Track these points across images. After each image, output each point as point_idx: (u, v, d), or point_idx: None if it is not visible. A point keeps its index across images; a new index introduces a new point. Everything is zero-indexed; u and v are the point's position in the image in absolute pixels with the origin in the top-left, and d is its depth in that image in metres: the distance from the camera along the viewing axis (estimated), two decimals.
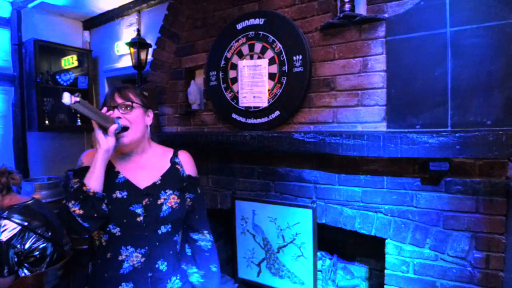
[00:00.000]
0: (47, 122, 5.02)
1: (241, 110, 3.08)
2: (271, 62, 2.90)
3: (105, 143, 1.62)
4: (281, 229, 2.92)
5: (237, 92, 3.10)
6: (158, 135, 3.37)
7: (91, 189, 1.59)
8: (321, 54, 2.71)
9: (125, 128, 1.72)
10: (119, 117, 1.71)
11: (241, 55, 3.07)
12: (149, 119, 1.86)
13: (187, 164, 1.93)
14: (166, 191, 1.79)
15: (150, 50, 4.12)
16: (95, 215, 1.59)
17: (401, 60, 2.38)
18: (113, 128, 1.64)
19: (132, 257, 1.69)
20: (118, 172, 1.79)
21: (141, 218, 1.70)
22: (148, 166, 1.85)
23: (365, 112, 2.54)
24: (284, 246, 2.93)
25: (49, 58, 5.23)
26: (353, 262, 3.14)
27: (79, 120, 5.36)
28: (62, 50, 5.30)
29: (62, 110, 5.25)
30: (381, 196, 2.45)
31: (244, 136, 2.72)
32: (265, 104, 2.93)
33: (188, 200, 1.89)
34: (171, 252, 1.79)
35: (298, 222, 2.80)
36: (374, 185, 2.47)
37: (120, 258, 1.69)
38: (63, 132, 5.44)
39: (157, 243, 1.74)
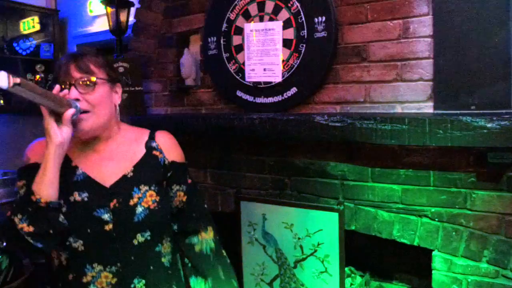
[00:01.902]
0: (1, 102, 5.07)
1: (248, 87, 3.11)
2: (286, 25, 2.92)
3: (58, 135, 1.52)
4: (299, 238, 2.95)
5: (243, 64, 3.13)
6: (141, 118, 3.40)
7: (42, 199, 1.48)
8: (350, 15, 2.72)
9: (85, 112, 1.61)
10: (77, 99, 1.59)
11: (248, 17, 3.09)
12: (117, 97, 1.78)
13: (169, 147, 1.86)
14: (141, 187, 1.70)
15: (132, 10, 4.14)
16: (51, 231, 1.49)
17: (453, 22, 2.38)
18: (69, 114, 1.53)
19: (100, 278, 1.61)
20: (76, 167, 1.70)
21: (110, 226, 1.61)
22: (116, 155, 1.75)
23: (406, 88, 2.56)
24: (303, 259, 2.95)
25: (3, 21, 5.26)
26: (390, 280, 3.16)
27: None
28: (20, 11, 5.32)
29: None
30: (426, 196, 2.47)
31: (252, 120, 2.74)
32: (279, 79, 2.96)
33: (179, 194, 1.83)
34: (152, 267, 1.70)
35: (321, 229, 2.83)
36: (417, 182, 2.49)
37: (84, 279, 1.61)
38: (21, 115, 5.47)
39: (133, 257, 1.66)
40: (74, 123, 1.58)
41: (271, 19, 2.98)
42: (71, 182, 1.65)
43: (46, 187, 1.50)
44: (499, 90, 2.26)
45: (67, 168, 1.65)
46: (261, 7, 3.02)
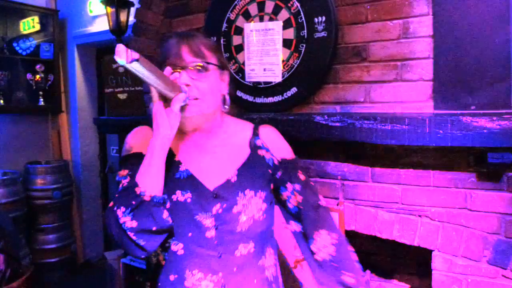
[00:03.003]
0: (1, 101, 5.07)
1: (248, 87, 3.11)
2: (287, 25, 2.92)
3: (167, 125, 1.40)
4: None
5: (243, 64, 3.13)
6: (141, 118, 3.40)
7: (147, 192, 1.39)
8: (350, 15, 2.72)
9: (195, 99, 1.51)
10: (187, 85, 1.48)
11: (248, 17, 3.09)
12: (224, 85, 1.68)
13: (275, 143, 1.72)
14: (246, 192, 1.57)
15: (132, 10, 4.15)
16: (154, 228, 1.39)
17: (452, 22, 2.38)
18: (180, 99, 1.41)
19: (201, 287, 1.51)
20: (179, 163, 1.61)
21: (212, 233, 1.51)
22: (219, 154, 1.64)
23: (406, 88, 2.56)
24: (303, 259, 2.95)
25: (3, 21, 5.26)
26: (390, 279, 3.17)
27: (41, 100, 5.40)
28: (20, 11, 5.33)
29: (20, 87, 5.29)
30: (426, 196, 2.47)
31: (252, 120, 2.74)
32: (279, 79, 2.96)
33: (294, 196, 1.64)
34: (255, 281, 1.58)
35: None
36: (417, 182, 2.49)
37: (187, 284, 1.51)
38: (21, 114, 5.48)
39: (235, 269, 1.53)
40: (182, 110, 1.47)
41: (271, 19, 2.98)
42: (174, 179, 1.57)
43: (151, 179, 1.41)
44: (499, 90, 2.26)
45: (170, 163, 1.55)
46: (261, 7, 3.02)
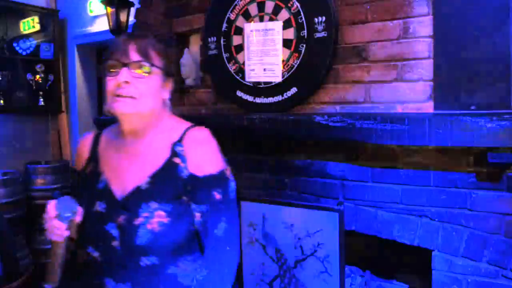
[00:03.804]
0: (1, 101, 5.07)
1: (248, 87, 3.11)
2: (286, 25, 2.92)
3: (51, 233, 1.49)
4: (299, 238, 2.95)
5: (243, 64, 3.13)
6: None
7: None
8: (350, 15, 2.72)
9: (132, 98, 1.50)
10: (126, 82, 1.47)
11: (248, 17, 3.09)
12: (166, 92, 1.62)
13: (195, 153, 1.56)
14: (150, 203, 1.50)
15: (132, 10, 4.15)
16: None
17: (452, 22, 2.39)
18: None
19: None
20: (100, 173, 1.62)
21: (117, 242, 1.50)
22: (139, 159, 1.58)
23: (406, 89, 2.56)
24: (303, 259, 2.96)
25: (3, 21, 5.26)
26: (390, 280, 3.16)
27: (41, 100, 5.40)
28: (20, 11, 5.32)
29: (20, 87, 5.29)
30: (426, 196, 2.47)
31: (252, 120, 2.75)
32: (279, 79, 2.96)
33: (196, 215, 1.56)
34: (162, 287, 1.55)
35: (321, 229, 2.83)
36: (417, 182, 2.49)
37: None
38: (21, 115, 5.48)
39: (143, 279, 1.52)
40: (113, 101, 1.50)
41: (271, 19, 2.98)
42: (96, 189, 1.59)
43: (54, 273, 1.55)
44: (499, 90, 2.27)
45: (94, 173, 1.62)
46: (261, 7, 3.02)
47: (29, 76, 5.26)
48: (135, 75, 1.49)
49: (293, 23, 2.89)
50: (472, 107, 2.33)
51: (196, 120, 2.87)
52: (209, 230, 1.54)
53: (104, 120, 3.83)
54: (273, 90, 2.99)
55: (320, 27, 2.77)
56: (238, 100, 3.17)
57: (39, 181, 4.97)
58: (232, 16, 3.16)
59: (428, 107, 2.49)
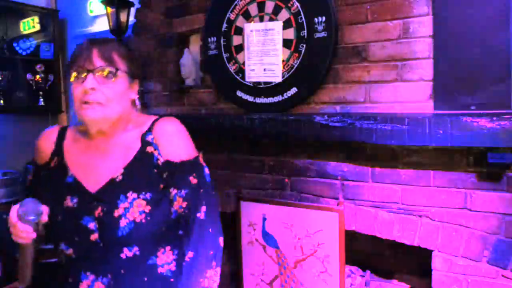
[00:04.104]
0: (1, 101, 5.06)
1: (248, 87, 3.11)
2: (287, 25, 2.92)
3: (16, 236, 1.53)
4: (299, 238, 2.95)
5: (243, 64, 3.13)
6: None
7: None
8: (350, 15, 2.72)
9: (98, 104, 1.52)
10: (92, 88, 1.49)
11: (248, 17, 3.09)
12: (134, 93, 1.66)
13: (166, 140, 1.62)
14: (128, 194, 1.53)
15: (133, 10, 4.15)
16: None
17: (452, 22, 2.38)
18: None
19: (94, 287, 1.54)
20: (67, 168, 1.62)
21: (96, 235, 1.52)
22: (110, 153, 1.61)
23: (406, 89, 2.56)
24: (303, 259, 2.96)
25: (3, 21, 5.26)
26: (390, 280, 3.17)
27: (41, 100, 5.39)
28: (20, 11, 5.32)
29: (20, 87, 5.29)
30: (426, 196, 2.47)
31: (252, 120, 2.75)
32: (279, 79, 2.96)
33: (178, 200, 1.60)
34: (146, 279, 1.57)
35: (321, 230, 2.84)
36: (417, 182, 2.49)
37: (82, 286, 1.55)
38: (22, 115, 5.47)
39: (122, 271, 1.54)
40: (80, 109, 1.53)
41: (271, 19, 2.98)
42: (64, 184, 1.59)
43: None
44: (499, 90, 2.26)
45: (60, 168, 1.62)
46: (261, 7, 3.02)
47: (29, 76, 5.25)
48: (101, 80, 1.51)
49: (293, 23, 2.89)
50: (472, 107, 2.33)
51: (196, 120, 2.88)
52: (191, 213, 1.59)
53: None
54: (273, 90, 2.99)
55: (320, 27, 2.77)
56: (238, 100, 3.17)
57: None
58: (232, 16, 3.16)
59: (428, 107, 2.49)
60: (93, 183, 1.56)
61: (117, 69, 1.54)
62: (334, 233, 2.77)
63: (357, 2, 2.69)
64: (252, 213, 3.13)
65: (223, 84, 3.26)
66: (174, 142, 1.64)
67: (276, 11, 2.95)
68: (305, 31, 2.83)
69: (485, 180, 2.31)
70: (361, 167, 2.67)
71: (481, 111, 2.28)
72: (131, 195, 1.53)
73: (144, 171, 1.58)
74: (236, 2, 3.14)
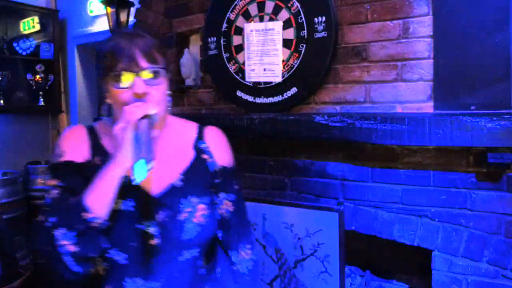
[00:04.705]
0: (1, 101, 5.07)
1: (248, 87, 3.11)
2: (287, 25, 2.92)
3: (129, 159, 1.32)
4: (299, 238, 2.95)
5: (243, 64, 3.13)
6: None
7: (96, 219, 1.31)
8: (350, 15, 2.72)
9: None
10: (145, 93, 1.41)
11: (248, 17, 3.09)
12: (168, 86, 1.56)
13: (219, 149, 1.66)
14: (191, 199, 1.52)
15: (132, 10, 4.15)
16: (95, 255, 1.36)
17: (452, 22, 2.39)
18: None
19: None
20: None
21: (156, 240, 1.46)
22: (162, 157, 1.53)
23: (406, 88, 2.56)
24: (303, 259, 2.96)
25: (3, 21, 5.27)
26: (390, 280, 3.16)
27: (41, 100, 5.40)
28: (20, 11, 5.33)
29: (20, 87, 5.29)
30: (426, 196, 2.47)
31: (252, 120, 2.75)
32: (279, 79, 2.96)
33: (225, 203, 1.64)
34: (190, 279, 1.56)
35: (321, 229, 2.83)
36: (417, 182, 2.50)
37: None
38: (21, 115, 5.48)
39: (176, 274, 1.51)
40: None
41: (271, 19, 2.98)
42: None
43: (104, 207, 1.33)
44: (499, 90, 2.27)
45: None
46: (261, 7, 3.02)
47: (29, 76, 5.26)
48: (148, 82, 1.42)
49: (293, 23, 2.88)
50: (472, 107, 2.33)
51: (196, 120, 2.87)
52: (240, 215, 1.68)
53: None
54: (273, 90, 2.99)
55: (320, 27, 2.77)
56: (238, 100, 3.17)
57: (39, 181, 4.98)
58: (232, 16, 3.16)
59: (428, 107, 2.49)
60: (153, 187, 1.50)
61: (160, 69, 1.47)
62: (334, 233, 2.77)
63: (357, 2, 2.69)
64: (252, 213, 3.10)
65: (223, 84, 3.26)
66: (225, 150, 1.69)
67: (276, 11, 2.95)
68: (305, 31, 2.83)
69: (485, 180, 2.31)
70: (361, 167, 2.67)
71: (481, 111, 2.28)
72: (194, 200, 1.52)
73: (201, 177, 1.58)
74: (236, 2, 3.14)
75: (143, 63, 1.41)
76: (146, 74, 1.42)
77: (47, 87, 5.38)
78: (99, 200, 1.32)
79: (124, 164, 1.32)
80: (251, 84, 3.09)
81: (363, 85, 2.69)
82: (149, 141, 1.35)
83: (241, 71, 3.14)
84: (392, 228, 2.57)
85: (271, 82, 2.99)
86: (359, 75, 2.70)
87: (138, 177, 1.30)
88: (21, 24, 5.43)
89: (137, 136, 1.33)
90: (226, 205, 1.64)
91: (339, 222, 2.73)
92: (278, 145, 2.98)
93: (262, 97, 3.05)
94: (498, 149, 2.11)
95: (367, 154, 2.63)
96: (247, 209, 1.74)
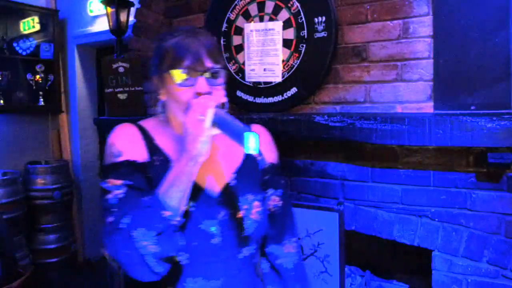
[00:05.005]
0: (1, 102, 5.07)
1: (248, 87, 3.12)
2: (287, 25, 2.93)
3: (206, 150, 1.32)
4: (299, 238, 2.94)
5: (243, 64, 3.14)
6: (141, 119, 3.40)
7: (178, 217, 1.31)
8: (350, 15, 2.72)
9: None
10: (209, 93, 1.40)
11: (248, 17, 3.09)
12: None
13: (267, 146, 1.70)
14: (247, 196, 1.53)
15: (132, 10, 4.15)
16: (171, 254, 1.33)
17: (452, 22, 2.39)
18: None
19: None
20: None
21: (218, 239, 1.44)
22: (215, 156, 1.54)
23: (406, 88, 2.56)
24: (303, 259, 2.95)
25: (3, 21, 5.26)
26: (390, 280, 3.17)
27: (41, 99, 5.40)
28: (20, 11, 5.32)
29: (20, 87, 5.29)
30: (426, 196, 2.48)
31: (252, 120, 2.75)
32: (279, 79, 2.96)
33: (273, 198, 1.65)
34: (250, 278, 1.58)
35: (321, 229, 2.83)
36: (417, 182, 2.50)
37: None
38: (21, 115, 5.48)
39: (236, 272, 1.50)
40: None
41: (271, 19, 2.98)
42: None
43: (183, 205, 1.32)
44: (499, 90, 2.27)
45: (164, 167, 1.42)
46: (261, 7, 3.02)
47: (29, 76, 5.25)
48: (210, 82, 1.42)
49: (293, 23, 2.89)
50: (472, 107, 2.33)
51: None
52: (288, 209, 1.71)
53: (105, 120, 3.83)
54: (273, 90, 2.99)
55: (320, 27, 2.77)
56: (238, 100, 3.17)
57: (39, 181, 4.98)
58: (232, 16, 3.16)
59: (428, 107, 2.49)
60: (211, 187, 1.50)
61: (222, 69, 1.45)
62: (334, 233, 2.77)
63: (357, 2, 2.69)
64: None
65: None
66: (272, 147, 1.75)
67: (276, 11, 2.95)
68: (305, 31, 2.83)
69: (485, 180, 2.31)
70: (361, 167, 2.67)
71: (481, 111, 2.29)
72: (249, 197, 1.53)
73: (253, 174, 1.61)
74: (236, 2, 3.14)
75: (208, 62, 1.41)
76: (209, 74, 1.41)
77: (47, 87, 5.37)
78: (177, 197, 1.30)
79: (200, 158, 1.31)
80: (251, 84, 3.09)
81: (363, 85, 2.70)
82: (234, 119, 1.33)
83: (241, 71, 3.14)
84: (392, 228, 2.57)
85: (271, 82, 2.99)
86: (359, 75, 2.70)
87: (252, 149, 1.26)
88: (21, 24, 5.42)
89: (220, 120, 1.32)
90: (274, 201, 1.66)
91: (339, 222, 2.73)
92: (278, 145, 2.97)
93: (262, 97, 3.05)
94: (498, 149, 2.11)
95: (367, 154, 2.63)
96: (291, 205, 1.76)
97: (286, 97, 2.95)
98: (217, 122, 1.31)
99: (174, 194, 1.30)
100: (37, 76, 5.27)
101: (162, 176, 1.35)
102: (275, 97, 2.99)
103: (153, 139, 1.53)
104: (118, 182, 1.37)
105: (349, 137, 2.41)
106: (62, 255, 5.14)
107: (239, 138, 1.28)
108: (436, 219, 2.44)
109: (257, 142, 1.26)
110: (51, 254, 5.03)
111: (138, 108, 3.66)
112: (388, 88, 2.61)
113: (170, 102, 1.49)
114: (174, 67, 1.40)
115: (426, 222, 2.47)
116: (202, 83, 1.39)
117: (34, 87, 5.30)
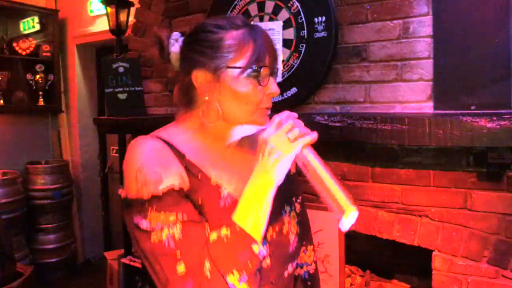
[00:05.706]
0: (1, 101, 5.07)
1: None
2: (286, 25, 2.92)
3: (283, 175, 1.20)
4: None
5: None
6: (142, 119, 3.40)
7: (261, 248, 1.15)
8: (350, 15, 2.72)
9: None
10: (278, 94, 1.34)
11: (248, 17, 3.09)
12: None
13: None
14: (286, 209, 1.42)
15: (132, 10, 4.15)
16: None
17: (452, 22, 2.38)
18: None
19: None
20: (219, 187, 1.30)
21: (267, 261, 1.29)
22: (246, 166, 1.32)
23: (406, 88, 2.56)
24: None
25: (3, 21, 5.27)
26: (390, 279, 3.17)
27: (41, 99, 5.40)
28: (20, 11, 5.33)
29: (20, 87, 5.29)
30: (426, 196, 2.47)
31: None
32: (279, 79, 2.95)
33: (296, 206, 1.53)
34: None
35: (320, 230, 2.83)
36: (417, 182, 2.50)
37: None
38: (21, 115, 5.49)
39: None
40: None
41: (271, 19, 2.98)
42: (219, 209, 1.26)
43: (263, 232, 1.17)
44: (499, 90, 2.26)
45: (208, 189, 1.27)
46: (261, 6, 3.02)
47: (29, 76, 5.27)
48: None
49: (293, 23, 2.88)
50: (472, 107, 2.33)
51: None
52: (305, 216, 1.59)
53: (105, 120, 3.83)
54: None
55: (320, 27, 2.77)
56: None
57: (39, 181, 4.99)
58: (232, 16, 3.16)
59: (428, 107, 2.49)
60: None
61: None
62: (334, 233, 2.77)
63: (357, 2, 2.69)
64: None
65: None
66: None
67: (276, 11, 2.95)
68: (305, 31, 2.83)
69: (485, 180, 2.31)
70: (361, 167, 2.67)
71: (481, 111, 2.28)
72: (288, 208, 1.43)
73: (286, 186, 1.34)
74: (236, 2, 3.13)
75: (277, 62, 1.32)
76: (274, 73, 1.32)
77: (47, 87, 5.38)
78: (260, 225, 1.16)
79: (278, 181, 1.20)
80: None
81: (363, 85, 2.69)
82: (329, 171, 1.19)
83: None
84: (392, 228, 2.57)
85: None
86: (359, 75, 2.70)
87: (347, 225, 1.16)
88: (21, 24, 5.43)
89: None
90: (297, 209, 1.53)
91: (339, 222, 2.72)
92: None
93: None
94: (498, 149, 2.11)
95: (367, 154, 2.63)
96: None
97: (286, 97, 2.95)
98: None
99: (261, 222, 1.16)
100: (37, 76, 5.29)
101: (212, 200, 1.25)
102: (275, 97, 2.98)
103: (184, 155, 1.29)
104: (167, 218, 1.13)
105: (349, 137, 2.40)
106: (62, 255, 5.16)
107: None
108: (436, 219, 2.44)
109: (353, 217, 1.18)
110: (51, 254, 5.04)
111: (138, 108, 3.66)
112: (388, 88, 2.61)
113: (224, 103, 1.30)
114: (260, 62, 1.27)
115: (426, 222, 2.47)
116: (274, 83, 1.31)
117: (34, 87, 5.31)
